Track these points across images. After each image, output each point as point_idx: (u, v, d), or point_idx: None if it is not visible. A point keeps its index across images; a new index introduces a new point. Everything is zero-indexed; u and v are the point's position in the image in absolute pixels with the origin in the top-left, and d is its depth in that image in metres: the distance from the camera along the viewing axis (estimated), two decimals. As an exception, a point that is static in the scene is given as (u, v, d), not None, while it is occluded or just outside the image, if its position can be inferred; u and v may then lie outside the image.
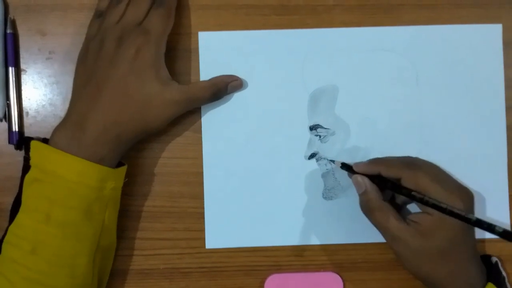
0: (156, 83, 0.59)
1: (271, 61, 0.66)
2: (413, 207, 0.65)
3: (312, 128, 0.67)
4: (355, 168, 0.62)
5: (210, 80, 0.64)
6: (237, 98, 0.66)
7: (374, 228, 0.66)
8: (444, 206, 0.56)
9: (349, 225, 0.67)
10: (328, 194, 0.67)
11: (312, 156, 0.67)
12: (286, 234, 0.67)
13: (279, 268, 0.67)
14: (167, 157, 0.66)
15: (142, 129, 0.60)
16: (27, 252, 0.56)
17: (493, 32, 0.67)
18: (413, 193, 0.58)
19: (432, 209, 0.57)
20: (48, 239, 0.56)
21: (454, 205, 0.56)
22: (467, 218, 0.55)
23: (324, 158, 0.66)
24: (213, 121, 0.65)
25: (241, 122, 0.66)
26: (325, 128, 0.67)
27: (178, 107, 0.61)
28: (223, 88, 0.64)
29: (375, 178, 0.61)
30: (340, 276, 0.67)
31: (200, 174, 0.66)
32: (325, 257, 0.67)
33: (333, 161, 0.66)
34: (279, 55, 0.66)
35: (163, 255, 0.66)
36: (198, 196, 0.66)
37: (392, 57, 0.67)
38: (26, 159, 0.58)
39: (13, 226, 0.57)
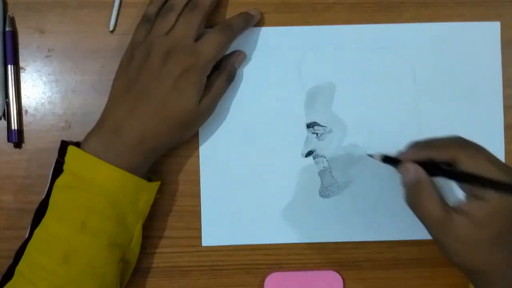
0: (195, 101, 0.59)
1: (268, 58, 0.66)
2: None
3: (309, 125, 0.66)
4: (402, 157, 0.56)
5: (222, 68, 0.63)
6: (234, 95, 0.66)
7: (371, 227, 0.66)
8: None
9: (346, 223, 0.67)
10: (325, 192, 0.67)
11: (309, 153, 0.67)
12: (283, 232, 0.67)
13: (279, 267, 0.67)
14: (166, 155, 0.65)
15: (175, 142, 0.62)
16: (59, 260, 0.55)
17: (491, 30, 0.67)
18: (477, 176, 0.52)
19: (489, 196, 0.52)
20: (82, 248, 0.56)
21: None
22: None
23: (321, 156, 0.66)
24: (211, 118, 0.65)
25: (238, 119, 0.66)
26: (322, 126, 0.67)
27: (209, 114, 0.62)
28: (234, 69, 0.64)
29: (425, 165, 0.55)
30: (340, 274, 0.67)
31: (199, 173, 0.66)
32: (325, 255, 0.67)
33: (371, 155, 0.59)
34: (276, 52, 0.66)
35: (163, 253, 0.66)
36: (197, 194, 0.66)
37: (389, 54, 0.67)
38: (60, 162, 0.57)
39: (41, 231, 0.56)
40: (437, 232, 0.54)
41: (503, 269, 0.54)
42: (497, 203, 0.52)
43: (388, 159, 0.58)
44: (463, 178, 0.53)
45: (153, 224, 0.66)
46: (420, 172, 0.54)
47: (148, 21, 0.62)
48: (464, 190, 0.55)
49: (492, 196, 0.52)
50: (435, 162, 0.55)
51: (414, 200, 0.54)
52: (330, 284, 0.66)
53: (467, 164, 0.53)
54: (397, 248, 0.67)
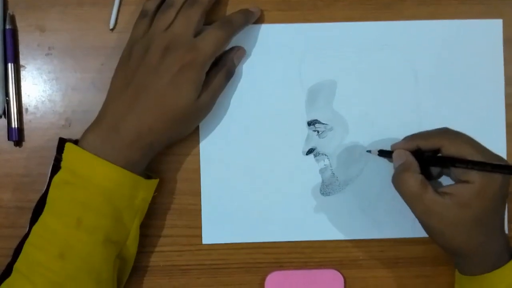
0: (193, 97, 0.59)
1: (268, 56, 0.66)
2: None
3: (310, 123, 0.66)
4: (392, 147, 0.62)
5: (221, 64, 0.63)
6: (234, 93, 0.66)
7: (372, 225, 0.66)
8: (497, 163, 0.56)
9: (346, 221, 0.67)
10: (325, 190, 0.66)
11: (310, 151, 0.66)
12: (283, 230, 0.67)
13: (280, 265, 0.67)
14: (166, 154, 0.66)
15: (173, 138, 0.61)
16: (54, 256, 0.55)
17: (493, 27, 0.67)
18: (457, 160, 0.57)
19: (473, 178, 0.56)
20: (78, 244, 0.56)
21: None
22: None
23: (322, 154, 0.66)
24: (211, 116, 0.65)
25: (239, 117, 0.66)
26: (323, 124, 0.66)
27: (208, 110, 0.62)
28: (233, 65, 0.64)
29: (414, 155, 0.60)
30: (341, 273, 0.67)
31: (199, 171, 0.66)
32: (326, 254, 0.67)
33: (369, 151, 0.65)
34: (277, 49, 0.66)
35: (163, 252, 0.66)
36: (198, 193, 0.66)
37: (390, 52, 0.67)
38: (57, 159, 0.57)
39: (38, 227, 0.57)
40: (422, 212, 0.58)
41: (483, 249, 0.58)
42: (479, 184, 0.56)
43: (383, 153, 0.63)
44: (447, 162, 0.58)
45: (152, 222, 0.66)
46: (408, 154, 0.60)
47: (146, 17, 0.62)
48: (452, 178, 0.60)
49: (475, 177, 0.56)
50: (423, 151, 0.60)
51: (400, 180, 0.58)
52: (331, 282, 0.66)
53: (450, 148, 0.58)
54: (398, 247, 0.67)
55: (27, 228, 0.57)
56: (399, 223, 0.66)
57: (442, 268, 0.67)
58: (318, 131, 0.66)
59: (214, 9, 0.65)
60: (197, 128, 0.66)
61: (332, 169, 0.66)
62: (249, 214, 0.66)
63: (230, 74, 0.64)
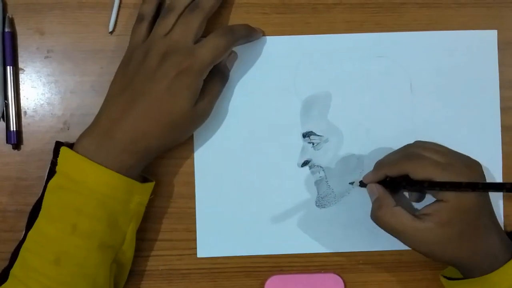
0: (188, 103, 0.58)
1: (263, 67, 0.66)
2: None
3: (305, 135, 0.66)
4: (364, 180, 0.62)
5: (215, 70, 0.62)
6: (230, 105, 0.66)
7: (368, 237, 0.66)
8: (464, 183, 0.55)
9: (342, 233, 0.66)
10: (321, 202, 0.66)
11: (305, 163, 0.66)
12: (278, 243, 0.66)
13: (280, 269, 0.66)
14: (164, 157, 0.65)
15: (169, 144, 0.61)
16: (50, 262, 0.55)
17: (488, 38, 0.67)
18: (425, 184, 0.56)
19: (448, 195, 0.56)
20: (73, 250, 0.56)
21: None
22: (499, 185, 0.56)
23: (318, 166, 0.66)
24: (206, 128, 0.64)
25: (233, 129, 0.66)
26: (318, 135, 0.66)
27: (205, 117, 0.62)
28: (227, 70, 0.64)
29: (386, 183, 0.60)
30: (341, 277, 0.66)
31: (198, 174, 0.66)
32: (326, 258, 0.67)
33: (352, 183, 0.65)
34: (272, 61, 0.66)
35: (162, 256, 0.66)
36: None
37: (385, 63, 0.66)
38: (54, 163, 0.57)
39: (34, 233, 0.56)
40: (407, 240, 0.58)
41: (477, 256, 0.58)
42: (455, 200, 0.56)
43: (363, 184, 0.63)
44: (416, 186, 0.58)
45: (151, 226, 0.65)
46: (379, 188, 0.60)
47: (143, 21, 0.61)
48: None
49: (449, 195, 0.56)
50: (393, 178, 0.60)
51: (377, 214, 0.59)
52: (331, 287, 0.66)
53: (416, 173, 0.57)
54: (399, 250, 0.67)
55: (23, 233, 0.57)
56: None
57: (442, 272, 0.66)
58: (313, 143, 0.66)
59: (216, 19, 0.65)
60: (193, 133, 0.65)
61: (327, 181, 0.66)
62: (243, 227, 0.66)
63: (225, 79, 0.64)
